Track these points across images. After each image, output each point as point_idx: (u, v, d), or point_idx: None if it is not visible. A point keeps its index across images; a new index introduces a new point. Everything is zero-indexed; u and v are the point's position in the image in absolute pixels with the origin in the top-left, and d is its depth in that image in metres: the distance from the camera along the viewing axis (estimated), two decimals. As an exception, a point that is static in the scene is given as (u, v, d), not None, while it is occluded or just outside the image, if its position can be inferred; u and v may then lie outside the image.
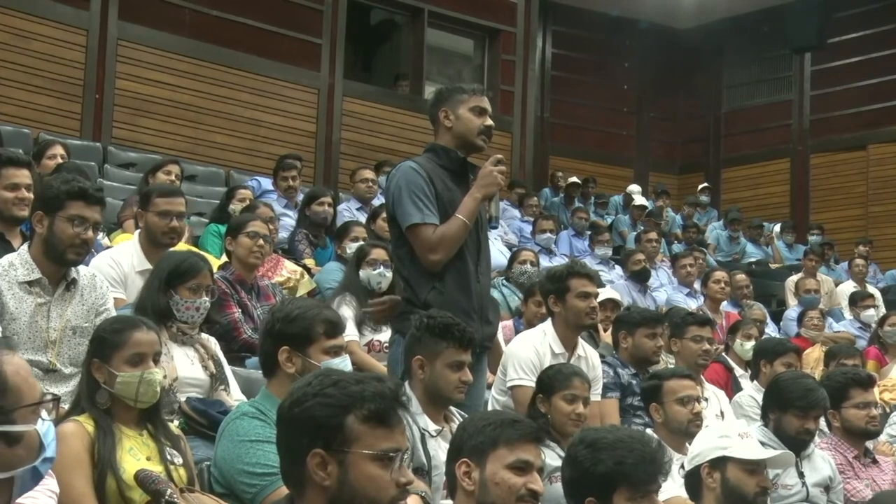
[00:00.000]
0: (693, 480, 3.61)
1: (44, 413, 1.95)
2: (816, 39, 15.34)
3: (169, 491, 2.79)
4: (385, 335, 5.02)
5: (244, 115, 11.50)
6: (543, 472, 2.88)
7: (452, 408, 3.68)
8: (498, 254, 7.82)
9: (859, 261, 11.23)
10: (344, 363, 3.16)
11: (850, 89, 15.09)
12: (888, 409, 6.29)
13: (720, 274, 8.32)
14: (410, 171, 3.85)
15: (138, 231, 4.86)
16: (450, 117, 3.92)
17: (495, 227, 4.01)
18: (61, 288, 3.62)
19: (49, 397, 1.98)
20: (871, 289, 10.56)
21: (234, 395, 3.86)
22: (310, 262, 7.02)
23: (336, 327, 3.21)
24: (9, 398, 1.88)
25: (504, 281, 7.39)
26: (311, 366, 3.09)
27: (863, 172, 15.05)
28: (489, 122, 3.94)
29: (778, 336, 8.41)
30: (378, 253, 5.46)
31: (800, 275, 10.63)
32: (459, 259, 3.84)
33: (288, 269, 6.09)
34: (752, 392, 5.62)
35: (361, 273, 5.47)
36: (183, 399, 3.60)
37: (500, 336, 5.92)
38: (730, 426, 3.88)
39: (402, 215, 3.84)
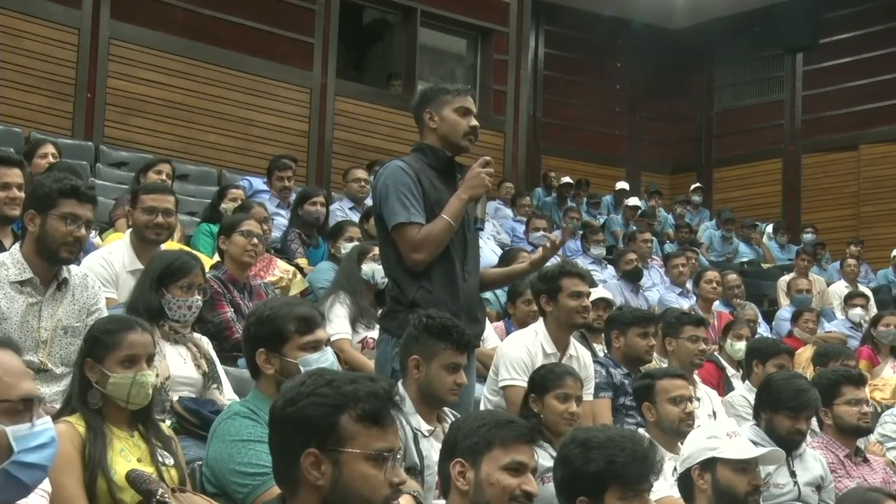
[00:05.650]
0: (685, 483, 3.61)
1: (42, 418, 1.91)
2: (808, 40, 15.39)
3: (160, 491, 2.78)
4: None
5: (236, 114, 11.50)
6: (536, 472, 2.88)
7: (445, 407, 3.68)
8: (490, 254, 7.81)
9: (851, 261, 11.25)
10: (324, 357, 3.13)
11: (842, 89, 15.13)
12: (880, 409, 6.30)
13: (712, 274, 8.33)
14: (398, 171, 3.84)
15: (130, 230, 4.85)
16: (434, 118, 3.90)
17: (480, 230, 3.98)
18: (53, 287, 3.60)
19: (33, 399, 1.94)
20: (862, 289, 10.59)
21: (227, 395, 3.86)
22: (302, 261, 7.02)
23: (309, 323, 3.16)
24: None
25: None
26: (288, 364, 3.08)
27: (854, 172, 15.10)
28: (474, 122, 3.91)
29: (770, 336, 8.42)
30: (380, 248, 5.46)
31: (792, 275, 10.66)
32: (445, 259, 3.82)
33: (280, 269, 6.09)
34: (743, 392, 5.63)
35: (364, 267, 5.46)
36: (175, 398, 3.60)
37: (494, 337, 5.94)
38: (719, 426, 3.88)
39: (388, 214, 3.83)
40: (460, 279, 3.85)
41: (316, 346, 3.15)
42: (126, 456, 2.93)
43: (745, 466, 3.52)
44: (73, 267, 3.73)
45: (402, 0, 13.13)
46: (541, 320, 4.78)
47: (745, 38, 16.02)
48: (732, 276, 8.97)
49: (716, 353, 6.64)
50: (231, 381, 4.05)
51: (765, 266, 12.67)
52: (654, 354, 5.42)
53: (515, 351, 4.64)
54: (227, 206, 7.07)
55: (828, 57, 15.39)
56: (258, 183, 8.79)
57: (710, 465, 3.53)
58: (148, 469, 2.91)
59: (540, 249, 4.10)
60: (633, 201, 13.20)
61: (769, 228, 13.69)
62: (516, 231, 11.06)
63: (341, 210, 8.51)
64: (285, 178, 8.42)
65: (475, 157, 3.95)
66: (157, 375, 3.22)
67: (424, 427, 3.53)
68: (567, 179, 13.56)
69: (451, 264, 3.83)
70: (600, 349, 5.72)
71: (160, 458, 2.98)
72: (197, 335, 3.96)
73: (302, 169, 11.29)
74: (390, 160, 4.06)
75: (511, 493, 2.70)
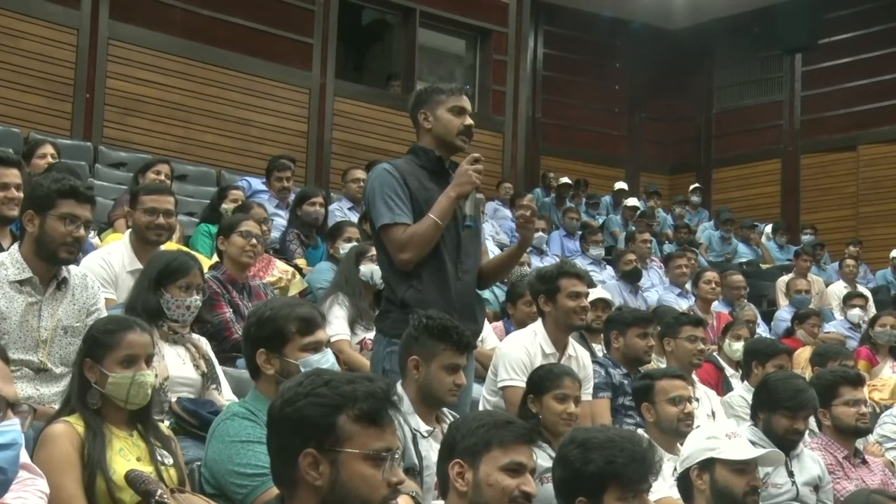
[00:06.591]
0: (684, 483, 3.61)
1: (7, 421, 1.88)
2: (807, 40, 15.39)
3: (159, 491, 2.78)
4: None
5: (235, 114, 11.49)
6: (535, 473, 2.88)
7: (444, 408, 3.68)
8: (489, 254, 7.79)
9: (850, 261, 11.25)
10: (325, 359, 3.13)
11: (841, 90, 15.14)
12: (878, 410, 6.30)
13: (711, 274, 8.33)
14: (383, 173, 3.85)
15: (129, 231, 4.86)
16: (429, 119, 3.90)
17: (470, 227, 3.96)
18: (52, 287, 3.60)
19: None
20: (861, 289, 10.60)
21: (226, 395, 3.86)
22: (301, 262, 7.02)
23: (310, 324, 3.17)
24: None
25: (496, 281, 7.36)
26: (289, 365, 3.08)
27: (853, 173, 15.10)
28: (469, 121, 3.91)
29: (769, 336, 8.42)
30: (378, 248, 5.46)
31: (791, 275, 10.66)
32: (436, 258, 3.81)
33: (279, 269, 6.10)
34: (742, 392, 5.63)
35: (362, 268, 5.47)
36: (174, 399, 3.60)
37: (493, 337, 5.94)
38: (718, 427, 3.88)
39: (374, 216, 3.85)
40: (452, 278, 3.84)
41: (317, 348, 3.16)
42: (125, 455, 2.93)
43: (744, 467, 3.52)
44: (72, 267, 3.74)
45: (402, 0, 13.13)
46: (539, 321, 4.78)
47: (745, 39, 16.03)
48: (737, 277, 8.95)
49: (715, 354, 6.64)
50: (230, 381, 4.05)
51: (764, 266, 12.67)
52: (653, 355, 5.43)
53: (514, 351, 4.63)
54: (227, 206, 7.08)
55: (827, 57, 15.39)
56: (257, 183, 8.79)
57: (708, 465, 3.52)
58: (147, 469, 2.91)
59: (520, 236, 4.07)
60: (632, 202, 13.20)
61: (768, 229, 13.69)
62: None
63: (340, 210, 8.51)
64: (284, 178, 8.42)
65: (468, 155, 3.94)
66: (156, 376, 3.22)
67: (423, 427, 3.53)
68: (566, 180, 13.55)
69: (441, 263, 3.82)
70: (599, 349, 5.72)
71: (159, 458, 2.98)
72: (196, 336, 3.97)
73: (301, 169, 11.29)
74: (387, 161, 4.06)
75: (510, 493, 2.70)
